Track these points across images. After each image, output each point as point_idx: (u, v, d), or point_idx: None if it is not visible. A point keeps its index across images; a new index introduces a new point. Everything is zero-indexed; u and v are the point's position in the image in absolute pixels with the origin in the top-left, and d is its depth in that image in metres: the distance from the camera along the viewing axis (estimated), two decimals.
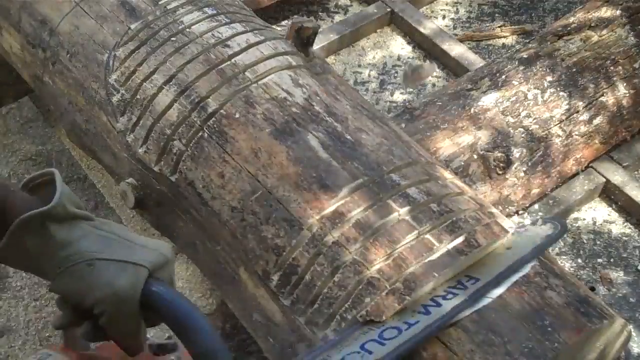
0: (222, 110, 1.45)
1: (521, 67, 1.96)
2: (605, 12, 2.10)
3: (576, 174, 2.06)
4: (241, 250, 1.36)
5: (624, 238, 2.06)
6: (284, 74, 1.50)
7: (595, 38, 2.03)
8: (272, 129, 1.41)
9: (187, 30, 1.57)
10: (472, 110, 1.86)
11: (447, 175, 1.44)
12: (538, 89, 1.91)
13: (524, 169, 1.85)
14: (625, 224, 2.08)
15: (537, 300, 1.25)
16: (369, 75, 2.46)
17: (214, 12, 1.62)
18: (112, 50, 1.59)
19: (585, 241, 2.05)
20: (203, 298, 1.55)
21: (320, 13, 2.66)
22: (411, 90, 2.40)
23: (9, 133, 2.41)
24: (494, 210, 1.42)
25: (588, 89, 1.95)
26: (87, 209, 2.21)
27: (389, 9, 2.56)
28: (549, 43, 2.04)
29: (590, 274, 1.99)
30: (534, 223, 1.40)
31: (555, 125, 1.90)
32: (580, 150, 1.97)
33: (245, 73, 1.48)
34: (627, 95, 2.00)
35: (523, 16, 2.65)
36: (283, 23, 2.61)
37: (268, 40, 1.55)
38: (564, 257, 2.02)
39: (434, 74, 2.44)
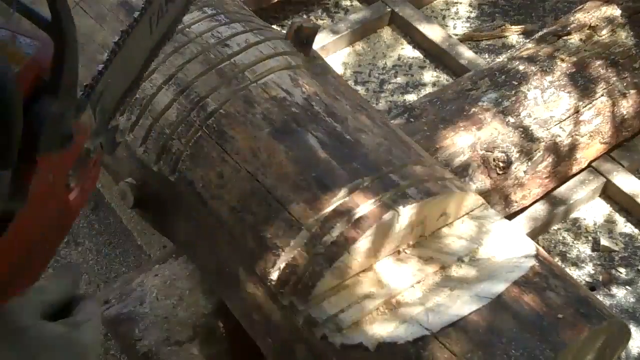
0: (221, 110, 1.44)
1: (521, 67, 1.95)
2: (605, 12, 2.10)
3: (576, 174, 2.06)
4: (240, 250, 1.36)
5: (625, 238, 2.05)
6: (284, 74, 1.50)
7: (595, 38, 2.03)
8: (272, 128, 1.40)
9: (187, 29, 1.56)
10: (472, 110, 1.86)
11: (447, 175, 1.44)
12: (538, 89, 1.91)
13: (524, 169, 1.85)
14: (626, 224, 2.08)
15: (536, 301, 1.25)
16: (369, 75, 2.46)
17: (214, 11, 1.61)
18: None
19: (585, 241, 2.05)
20: (203, 298, 1.55)
21: (320, 13, 2.66)
22: (411, 89, 2.40)
23: None
24: (493, 210, 1.42)
25: (588, 89, 1.95)
26: (88, 209, 2.21)
27: (389, 9, 2.55)
28: (548, 43, 2.03)
29: (591, 273, 1.98)
30: None
31: (555, 125, 1.89)
32: (581, 150, 1.97)
33: (245, 73, 1.48)
34: (627, 95, 2.00)
35: (523, 16, 2.65)
36: (283, 23, 2.61)
37: (268, 40, 1.55)
38: (564, 257, 2.02)
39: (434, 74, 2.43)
